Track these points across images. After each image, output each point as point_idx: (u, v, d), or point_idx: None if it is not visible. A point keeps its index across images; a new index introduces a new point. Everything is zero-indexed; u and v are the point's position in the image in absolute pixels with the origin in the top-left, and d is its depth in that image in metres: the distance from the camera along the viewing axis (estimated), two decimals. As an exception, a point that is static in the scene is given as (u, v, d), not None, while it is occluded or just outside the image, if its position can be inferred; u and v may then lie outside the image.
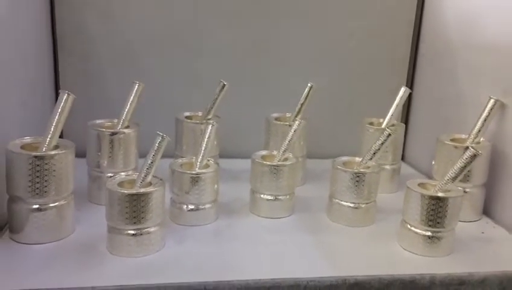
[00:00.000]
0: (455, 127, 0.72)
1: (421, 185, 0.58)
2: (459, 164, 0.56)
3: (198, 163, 0.61)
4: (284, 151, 0.65)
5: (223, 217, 0.63)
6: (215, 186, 0.61)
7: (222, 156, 0.77)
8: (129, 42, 0.81)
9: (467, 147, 0.56)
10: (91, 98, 0.81)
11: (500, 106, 0.65)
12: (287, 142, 0.64)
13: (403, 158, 0.91)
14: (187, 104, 0.75)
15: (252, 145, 0.71)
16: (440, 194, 0.55)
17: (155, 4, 0.80)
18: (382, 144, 0.62)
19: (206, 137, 0.62)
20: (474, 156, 0.55)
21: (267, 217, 0.64)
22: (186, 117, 0.73)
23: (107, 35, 0.80)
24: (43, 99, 0.75)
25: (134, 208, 0.51)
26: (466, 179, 0.64)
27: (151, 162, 0.53)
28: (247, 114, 0.85)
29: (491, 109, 0.64)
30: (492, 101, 0.65)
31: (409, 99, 0.90)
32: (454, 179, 0.56)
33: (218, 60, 0.84)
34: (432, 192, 0.56)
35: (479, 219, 0.66)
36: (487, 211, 0.67)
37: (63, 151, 0.53)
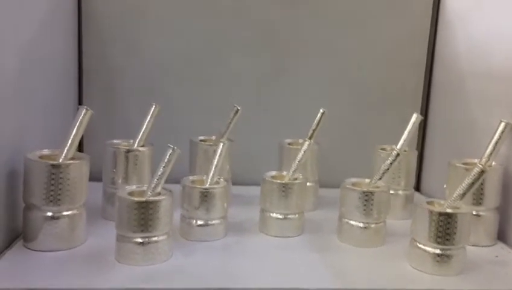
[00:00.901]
0: (469, 156, 0.72)
1: (429, 203, 0.58)
2: (467, 181, 0.55)
3: (209, 180, 0.62)
4: (294, 171, 0.66)
5: (232, 234, 0.63)
6: (225, 204, 0.62)
7: (235, 183, 0.78)
8: (149, 70, 0.86)
9: (478, 168, 0.56)
10: (112, 122, 0.85)
11: (511, 129, 0.65)
12: (297, 162, 0.65)
13: (418, 189, 0.90)
14: (202, 129, 0.77)
15: (264, 172, 0.72)
16: (449, 210, 0.55)
17: (174, 35, 0.85)
18: (391, 163, 0.63)
19: (218, 155, 0.63)
20: (482, 172, 0.54)
21: (276, 236, 0.64)
22: (201, 140, 0.75)
23: (129, 64, 0.85)
24: (66, 122, 0.79)
25: (143, 215, 0.52)
26: (479, 201, 0.63)
27: (161, 173, 0.55)
28: (261, 141, 0.86)
29: (502, 132, 0.64)
30: (503, 124, 0.64)
31: (423, 129, 0.91)
32: (462, 196, 0.56)
33: (233, 88, 0.87)
34: (440, 208, 0.56)
35: (494, 244, 0.65)
36: (502, 236, 0.66)
37: (78, 162, 0.56)
